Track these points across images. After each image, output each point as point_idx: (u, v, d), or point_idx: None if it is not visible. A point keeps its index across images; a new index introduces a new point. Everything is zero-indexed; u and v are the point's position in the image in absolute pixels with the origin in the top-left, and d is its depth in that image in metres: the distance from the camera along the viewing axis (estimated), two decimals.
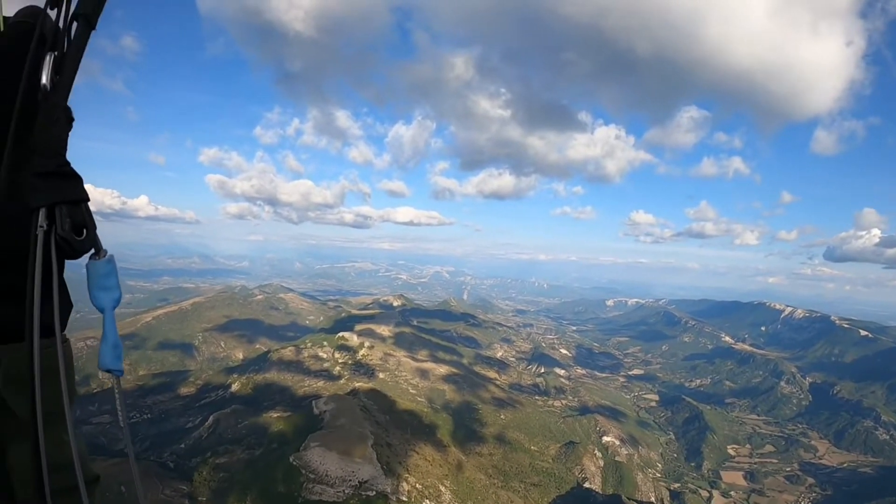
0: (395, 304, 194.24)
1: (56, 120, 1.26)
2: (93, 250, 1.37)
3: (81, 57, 1.26)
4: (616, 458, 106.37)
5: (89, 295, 1.37)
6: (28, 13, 1.29)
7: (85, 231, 1.33)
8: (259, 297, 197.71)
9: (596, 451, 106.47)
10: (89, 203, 1.35)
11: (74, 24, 1.27)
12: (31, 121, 1.28)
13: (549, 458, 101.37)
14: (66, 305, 1.32)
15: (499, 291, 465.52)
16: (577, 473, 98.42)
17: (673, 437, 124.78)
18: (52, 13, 1.27)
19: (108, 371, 1.38)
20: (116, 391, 1.41)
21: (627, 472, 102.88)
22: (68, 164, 1.29)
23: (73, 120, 1.29)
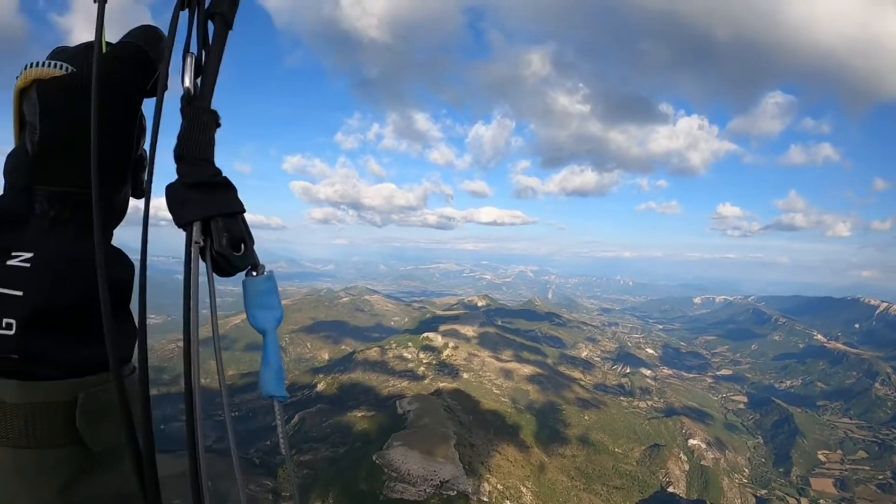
0: (480, 304, 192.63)
1: (204, 124, 1.15)
2: (250, 267, 1.23)
3: (222, 57, 1.18)
4: (702, 462, 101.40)
5: (247, 314, 1.23)
6: (136, 34, 1.18)
7: (243, 246, 1.19)
8: (344, 299, 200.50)
9: (681, 455, 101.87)
10: (245, 214, 1.24)
11: (210, 25, 1.19)
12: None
13: (633, 461, 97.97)
14: (135, 333, 1.21)
15: (584, 290, 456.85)
16: (661, 477, 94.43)
17: (761, 441, 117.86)
18: (183, 14, 1.17)
19: (272, 397, 1.28)
20: (279, 417, 1.32)
21: (713, 476, 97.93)
22: (221, 172, 1.18)
23: (220, 125, 1.20)
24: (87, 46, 1.09)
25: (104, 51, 1.06)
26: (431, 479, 76.60)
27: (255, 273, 1.24)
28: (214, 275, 1.18)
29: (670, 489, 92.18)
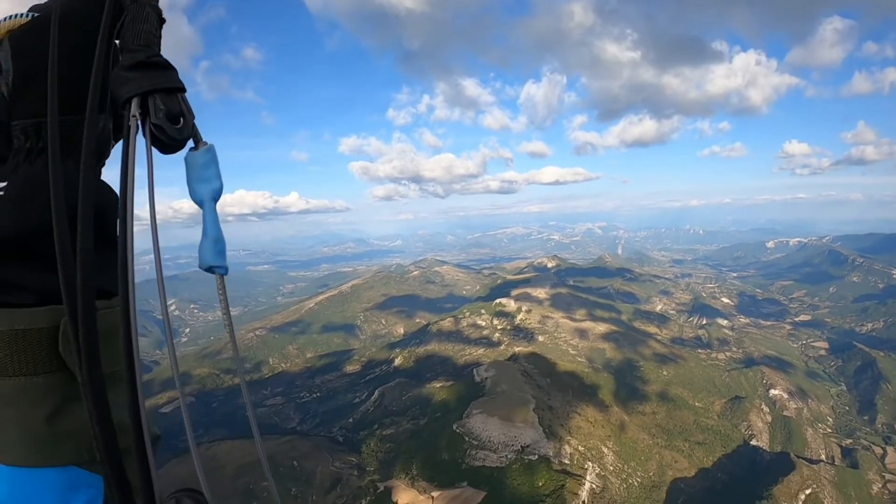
0: (550, 265, 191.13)
1: (146, 15, 1.23)
2: (191, 142, 1.28)
3: None
4: (784, 413, 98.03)
5: (189, 189, 1.27)
6: None
7: (182, 120, 1.23)
8: (415, 272, 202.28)
9: (763, 406, 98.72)
10: (184, 95, 1.28)
11: None
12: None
13: (714, 415, 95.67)
14: (115, 265, 1.19)
15: (653, 243, 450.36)
16: (743, 430, 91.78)
17: (844, 389, 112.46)
18: None
19: (210, 269, 1.26)
20: (220, 291, 1.29)
21: (796, 427, 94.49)
22: (159, 54, 1.23)
23: (164, 21, 1.26)
24: None
25: None
26: (512, 445, 76.94)
27: (195, 149, 1.31)
28: (157, 152, 1.23)
29: (753, 442, 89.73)
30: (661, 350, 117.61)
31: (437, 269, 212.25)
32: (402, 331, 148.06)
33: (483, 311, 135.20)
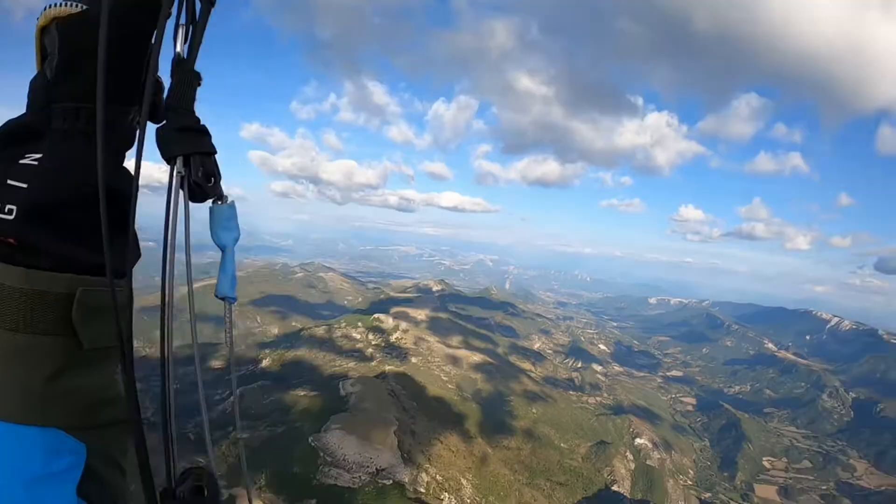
0: (435, 288, 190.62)
1: (190, 82, 1.43)
2: (217, 196, 1.52)
3: (205, 28, 1.44)
4: (647, 462, 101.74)
5: (211, 235, 1.51)
6: None
7: (214, 179, 1.48)
8: (299, 274, 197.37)
9: (627, 453, 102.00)
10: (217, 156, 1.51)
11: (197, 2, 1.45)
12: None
13: (579, 457, 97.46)
14: (138, 254, 1.44)
15: (541, 282, 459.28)
16: (605, 475, 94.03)
17: (708, 444, 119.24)
18: None
19: (224, 298, 1.52)
20: (227, 318, 1.55)
21: (658, 477, 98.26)
22: (200, 120, 1.46)
23: (201, 83, 1.48)
24: None
25: None
26: (367, 467, 75.07)
27: (221, 202, 1.54)
28: (190, 201, 1.45)
29: (615, 488, 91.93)
30: (532, 387, 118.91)
31: (321, 274, 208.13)
32: (275, 331, 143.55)
33: (360, 323, 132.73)
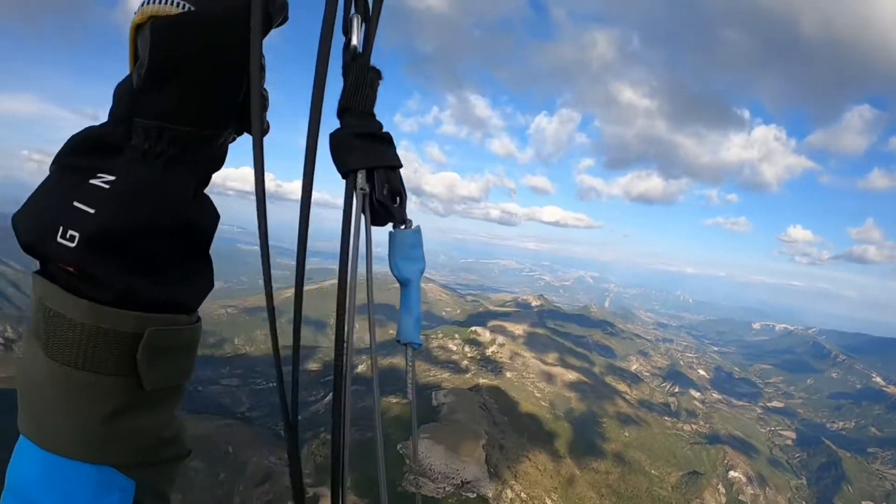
0: (534, 304, 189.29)
1: (370, 81, 1.28)
2: (401, 220, 1.37)
3: (379, 19, 1.31)
4: (740, 497, 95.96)
5: (391, 265, 1.37)
6: None
7: (399, 199, 1.32)
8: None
9: (720, 486, 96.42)
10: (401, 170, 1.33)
11: None
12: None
13: (669, 486, 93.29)
14: (210, 285, 1.29)
15: (642, 302, 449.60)
16: None
17: (805, 483, 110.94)
18: None
19: (408, 344, 1.40)
20: (410, 364, 1.43)
21: None
22: (382, 126, 1.30)
23: (382, 80, 1.31)
24: None
25: None
26: (452, 478, 74.76)
27: (403, 227, 1.38)
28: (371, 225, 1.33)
29: None
30: (626, 410, 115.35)
31: (422, 284, 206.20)
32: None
33: (457, 335, 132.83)
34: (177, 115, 1.12)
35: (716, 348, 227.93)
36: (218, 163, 1.28)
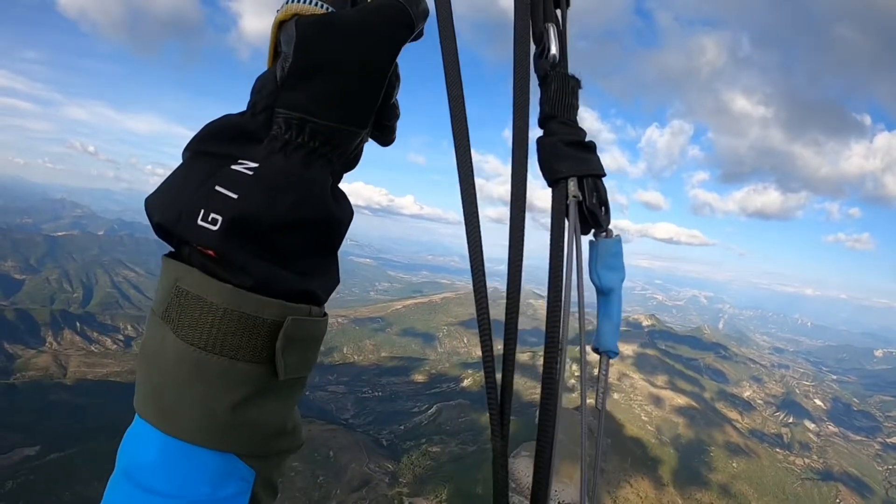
0: (645, 323, 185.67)
1: (572, 88, 1.30)
2: (604, 229, 1.38)
3: (568, 28, 1.35)
4: None
5: (591, 274, 1.37)
6: None
7: (605, 207, 1.33)
8: None
9: None
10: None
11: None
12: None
13: None
14: (337, 280, 1.26)
15: (757, 324, 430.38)
16: None
17: None
18: None
19: (605, 352, 1.40)
20: (604, 373, 1.43)
21: None
22: (587, 134, 1.33)
23: (581, 88, 1.34)
24: None
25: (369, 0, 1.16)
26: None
27: (605, 235, 1.41)
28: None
29: None
30: (736, 439, 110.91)
31: (531, 301, 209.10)
32: (479, 353, 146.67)
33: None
34: (319, 110, 1.14)
35: (834, 377, 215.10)
36: (353, 162, 1.31)
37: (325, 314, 1.23)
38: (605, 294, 1.41)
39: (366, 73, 1.16)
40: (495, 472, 1.32)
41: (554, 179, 1.34)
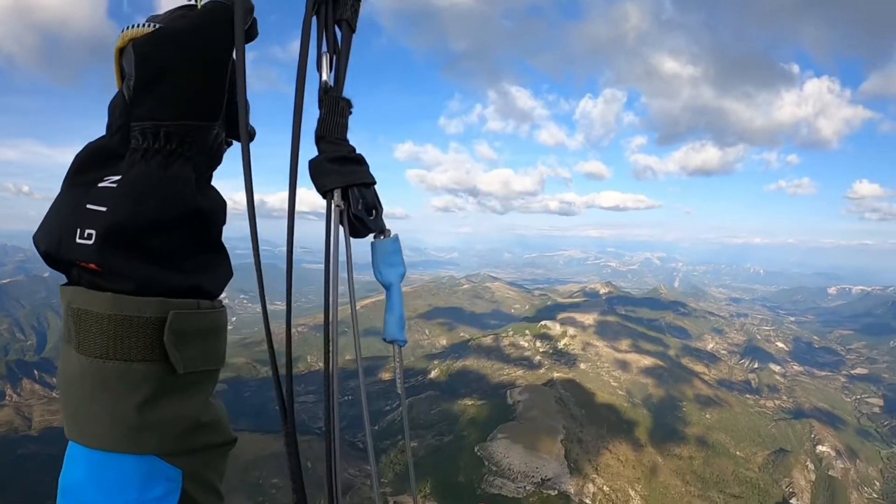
0: (602, 291, 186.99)
1: (342, 110, 1.41)
2: (379, 230, 1.50)
3: (349, 54, 1.44)
4: (830, 472, 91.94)
5: (374, 272, 1.48)
6: None
7: (375, 212, 1.45)
8: (465, 286, 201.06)
9: (808, 463, 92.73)
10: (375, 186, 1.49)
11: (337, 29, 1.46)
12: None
13: (755, 467, 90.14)
14: (229, 273, 1.35)
15: (712, 278, 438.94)
16: (784, 487, 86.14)
17: None
18: (315, 19, 1.45)
19: (393, 341, 1.53)
20: (397, 360, 1.56)
21: (841, 489, 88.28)
22: (356, 151, 1.44)
23: (352, 111, 1.46)
24: (176, 9, 1.26)
25: (199, 6, 1.25)
26: (532, 476, 74.34)
27: (382, 236, 1.49)
28: (351, 237, 1.44)
29: (793, 501, 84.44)
30: (706, 391, 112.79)
31: (488, 284, 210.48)
32: (444, 342, 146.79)
33: (527, 331, 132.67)
34: (167, 112, 1.20)
35: (792, 318, 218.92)
36: (215, 157, 1.35)
37: (222, 306, 1.29)
38: (388, 289, 1.50)
39: (204, 69, 1.24)
40: (289, 455, 1.41)
41: (322, 192, 1.43)
